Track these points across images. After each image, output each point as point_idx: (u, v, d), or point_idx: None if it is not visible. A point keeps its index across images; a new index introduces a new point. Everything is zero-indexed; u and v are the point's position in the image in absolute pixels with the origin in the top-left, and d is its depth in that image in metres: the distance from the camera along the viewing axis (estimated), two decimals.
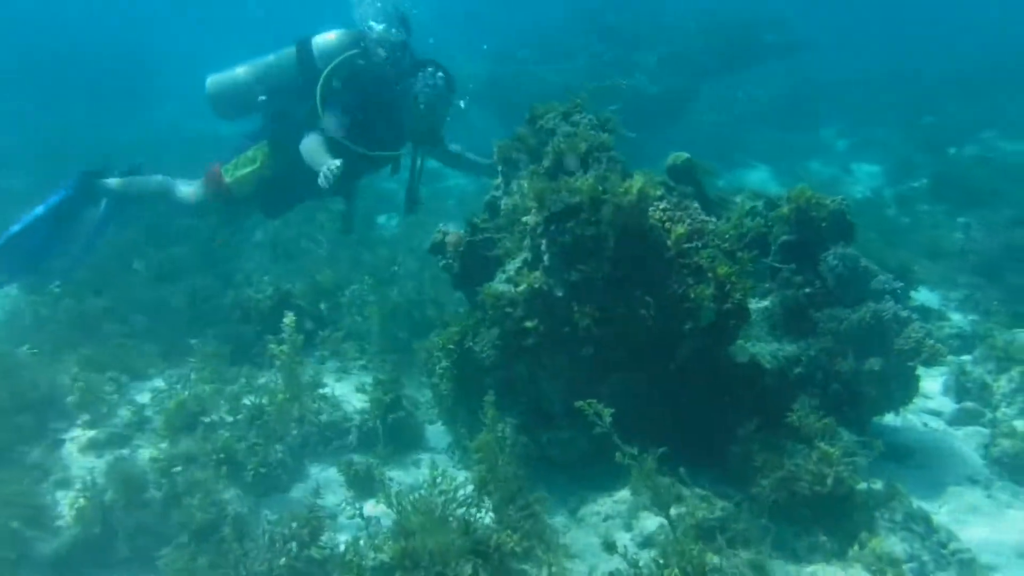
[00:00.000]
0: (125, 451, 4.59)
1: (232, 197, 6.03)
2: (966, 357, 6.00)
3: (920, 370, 4.60)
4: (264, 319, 6.12)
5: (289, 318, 4.76)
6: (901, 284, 4.58)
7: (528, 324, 4.09)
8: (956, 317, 6.98)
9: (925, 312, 6.54)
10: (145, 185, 6.39)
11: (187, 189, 6.28)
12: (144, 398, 5.21)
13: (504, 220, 4.79)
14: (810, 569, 3.54)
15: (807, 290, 4.58)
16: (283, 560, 3.34)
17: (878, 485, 4.02)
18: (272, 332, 4.94)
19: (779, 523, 3.69)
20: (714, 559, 3.12)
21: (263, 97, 6.01)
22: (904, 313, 4.46)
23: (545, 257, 4.09)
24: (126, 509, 3.83)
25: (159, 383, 5.39)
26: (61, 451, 4.61)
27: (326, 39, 5.92)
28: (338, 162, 5.16)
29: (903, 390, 4.49)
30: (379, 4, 5.97)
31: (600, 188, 3.93)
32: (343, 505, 4.06)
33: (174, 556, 3.56)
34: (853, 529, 3.68)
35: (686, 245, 4.00)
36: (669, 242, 4.00)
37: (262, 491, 4.26)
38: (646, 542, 3.68)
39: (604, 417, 3.11)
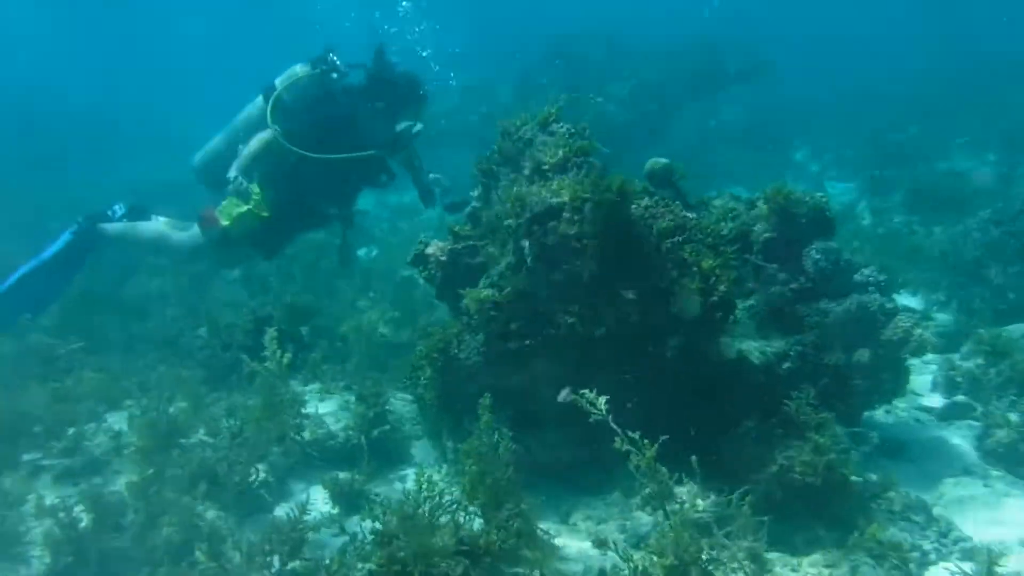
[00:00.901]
0: (99, 479, 4.41)
1: (229, 239, 6.05)
2: (954, 355, 5.98)
3: (910, 363, 4.58)
4: (243, 344, 5.98)
5: (271, 334, 4.66)
6: (884, 277, 4.57)
7: (513, 327, 4.03)
8: (941, 317, 7.00)
9: (909, 313, 6.54)
10: (142, 233, 6.52)
11: (181, 235, 6.34)
12: (121, 426, 5.03)
13: (486, 228, 4.75)
14: (810, 558, 3.45)
15: (792, 286, 4.55)
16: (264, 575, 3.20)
17: (874, 478, 3.96)
18: (252, 357, 4.84)
19: (776, 518, 3.59)
20: (711, 551, 3.02)
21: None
22: (890, 304, 4.45)
23: (528, 259, 4.04)
24: (99, 535, 3.66)
25: (136, 412, 5.20)
26: (35, 480, 4.41)
27: (287, 73, 6.18)
28: None
29: (893, 381, 4.46)
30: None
31: (581, 187, 3.91)
32: (327, 521, 3.91)
33: None
34: (851, 521, 3.58)
35: (669, 240, 3.97)
36: (652, 237, 3.97)
37: (245, 511, 4.10)
38: (639, 542, 3.58)
39: (599, 405, 3.02)
